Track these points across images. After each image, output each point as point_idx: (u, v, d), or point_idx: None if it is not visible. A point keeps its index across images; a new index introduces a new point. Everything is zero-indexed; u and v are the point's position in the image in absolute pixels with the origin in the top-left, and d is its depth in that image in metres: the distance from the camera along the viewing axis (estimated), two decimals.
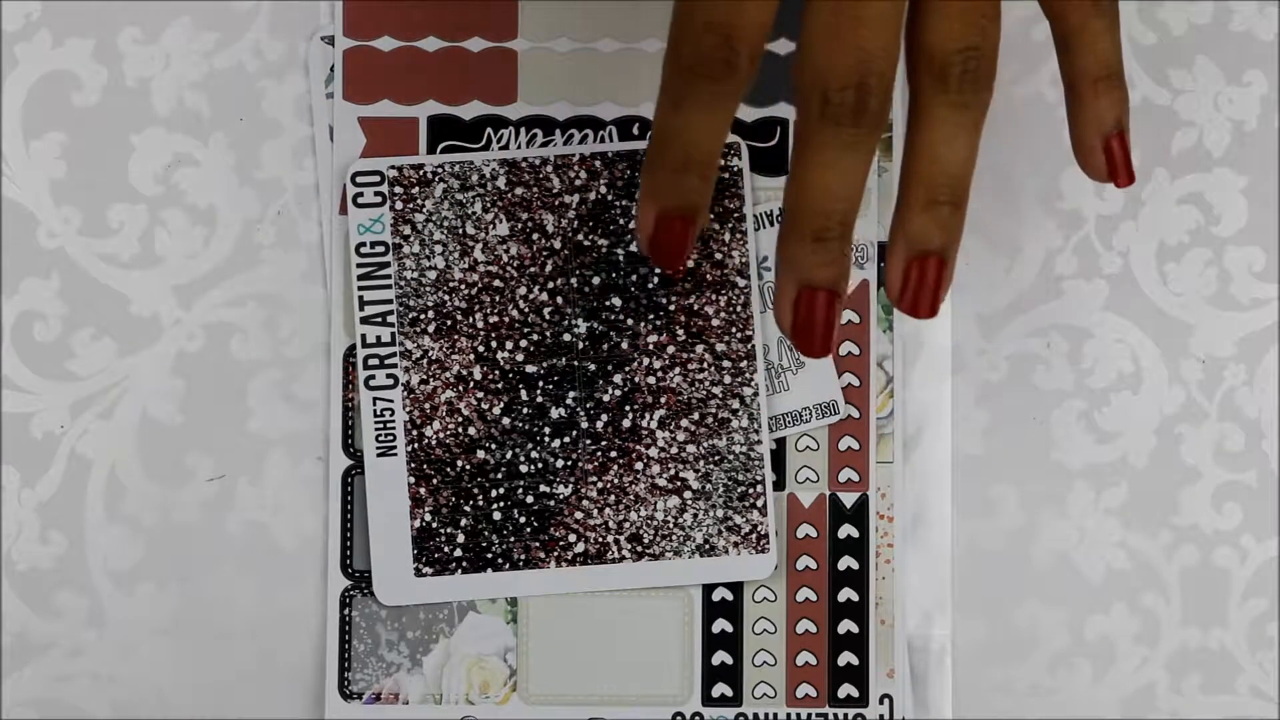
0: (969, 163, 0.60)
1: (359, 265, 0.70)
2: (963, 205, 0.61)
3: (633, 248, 0.70)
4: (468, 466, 0.70)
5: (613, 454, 0.70)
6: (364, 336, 0.70)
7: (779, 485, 0.71)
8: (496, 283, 0.70)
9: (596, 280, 0.70)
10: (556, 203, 0.70)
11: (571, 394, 0.70)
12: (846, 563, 0.71)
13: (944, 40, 0.59)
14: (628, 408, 0.70)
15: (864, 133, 0.59)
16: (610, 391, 0.70)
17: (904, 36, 0.60)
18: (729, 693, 0.71)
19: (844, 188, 0.59)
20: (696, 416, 0.70)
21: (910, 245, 0.61)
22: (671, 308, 0.70)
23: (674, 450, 0.70)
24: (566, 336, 0.70)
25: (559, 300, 0.70)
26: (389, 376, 0.70)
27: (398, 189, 0.70)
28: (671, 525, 0.70)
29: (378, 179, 0.70)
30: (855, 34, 0.58)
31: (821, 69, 0.58)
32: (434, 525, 0.70)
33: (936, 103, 0.60)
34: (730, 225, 0.70)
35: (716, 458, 0.70)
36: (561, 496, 0.70)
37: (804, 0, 0.59)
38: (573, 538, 0.70)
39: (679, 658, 0.71)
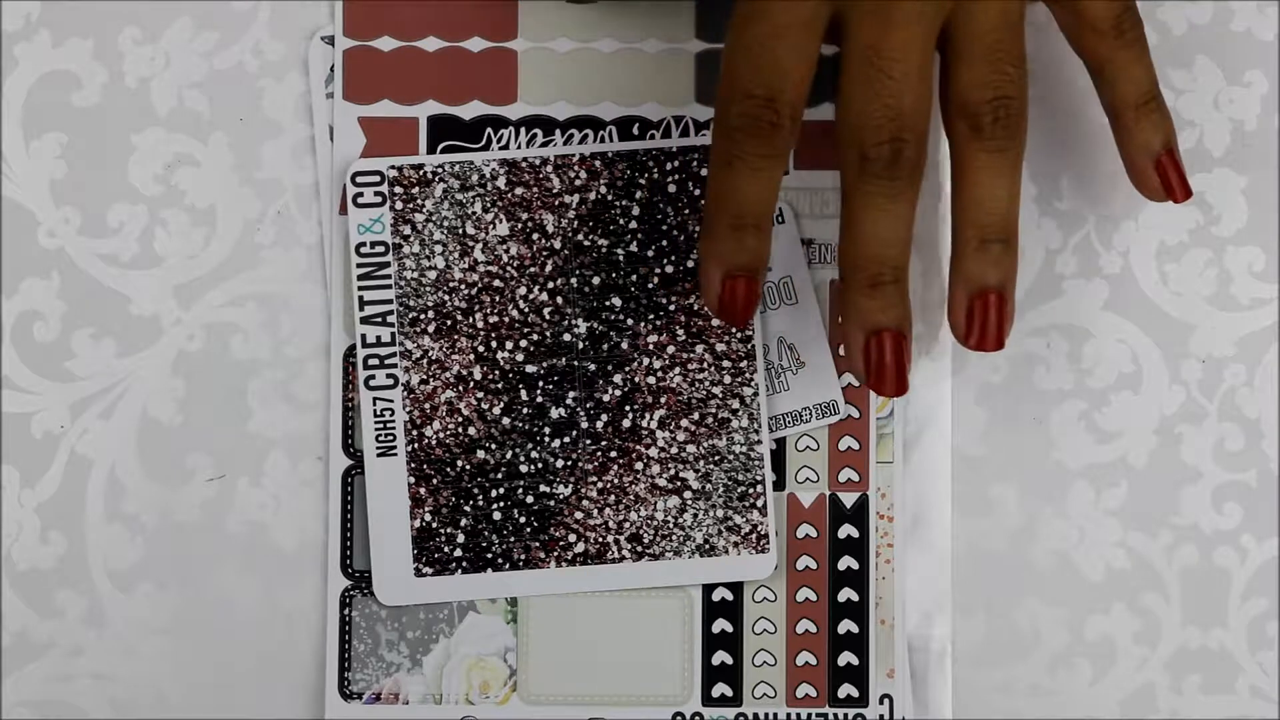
0: (1013, 201, 0.64)
1: (359, 265, 0.70)
2: (1013, 242, 0.64)
3: (632, 247, 0.70)
4: (468, 466, 0.70)
5: (613, 454, 0.70)
6: (364, 336, 0.70)
7: (779, 485, 0.71)
8: (496, 283, 0.70)
9: (596, 280, 0.70)
10: (556, 203, 0.70)
11: (571, 394, 0.70)
12: (846, 563, 0.71)
13: (975, 92, 0.63)
14: (628, 408, 0.70)
15: (903, 183, 0.62)
16: (610, 391, 0.70)
17: (937, 90, 0.64)
18: (729, 693, 0.71)
19: (892, 234, 0.63)
20: (696, 416, 0.70)
21: (969, 285, 0.64)
22: (671, 308, 0.70)
23: (674, 450, 0.70)
24: (566, 336, 0.70)
25: (559, 300, 0.70)
26: (389, 376, 0.70)
27: (398, 189, 0.70)
28: (671, 525, 0.70)
29: (378, 179, 0.70)
30: (886, 92, 0.62)
31: (856, 127, 0.62)
32: (434, 525, 0.70)
33: (974, 150, 0.63)
34: None
35: (716, 458, 0.70)
36: (561, 496, 0.70)
37: (840, 60, 0.63)
38: (573, 538, 0.70)
39: (679, 658, 0.71)
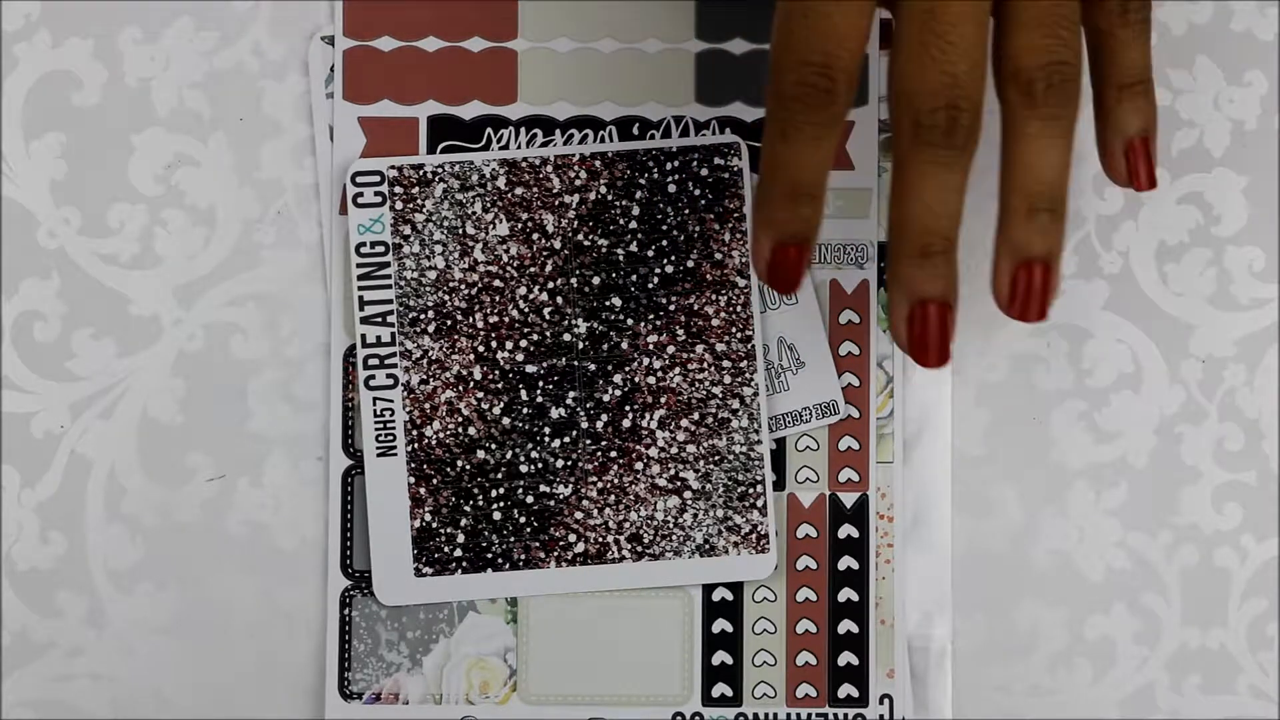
0: (1064, 170, 0.62)
1: (359, 265, 0.70)
2: (1062, 213, 0.62)
3: (632, 247, 0.70)
4: (468, 466, 0.70)
5: (613, 454, 0.70)
6: (364, 336, 0.70)
7: (779, 485, 0.71)
8: (496, 283, 0.70)
9: (596, 280, 0.70)
10: (556, 203, 0.70)
11: (571, 394, 0.70)
12: (846, 563, 0.71)
13: (1029, 57, 0.61)
14: (628, 408, 0.70)
15: (958, 152, 0.61)
16: (610, 391, 0.70)
17: (990, 54, 0.62)
18: (729, 693, 0.71)
19: (944, 205, 0.61)
20: (696, 416, 0.70)
21: (1015, 254, 0.63)
22: (671, 308, 0.70)
23: (674, 450, 0.70)
24: (566, 336, 0.70)
25: (559, 300, 0.70)
26: (389, 376, 0.70)
27: (398, 189, 0.70)
28: (671, 525, 0.70)
29: (378, 179, 0.70)
30: (942, 57, 0.60)
31: (911, 93, 0.60)
32: (434, 525, 0.70)
33: (1026, 117, 0.61)
34: (730, 225, 0.70)
35: (716, 458, 0.70)
36: (561, 496, 0.70)
37: (894, 25, 0.61)
38: (573, 538, 0.70)
39: (679, 658, 0.71)
